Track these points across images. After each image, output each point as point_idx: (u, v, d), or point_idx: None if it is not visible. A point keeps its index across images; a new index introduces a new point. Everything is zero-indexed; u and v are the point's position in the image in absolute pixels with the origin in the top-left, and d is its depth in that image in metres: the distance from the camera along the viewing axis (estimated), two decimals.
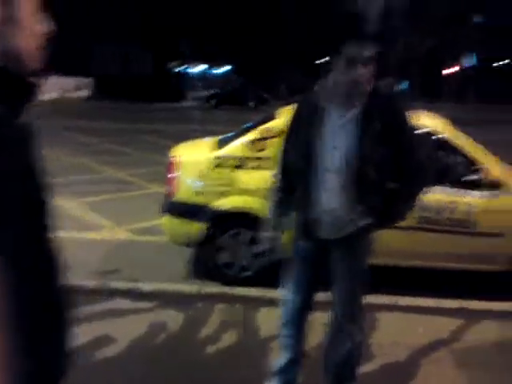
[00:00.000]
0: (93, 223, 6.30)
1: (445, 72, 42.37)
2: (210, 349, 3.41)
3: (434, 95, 34.73)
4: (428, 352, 3.37)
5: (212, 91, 34.34)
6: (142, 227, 6.11)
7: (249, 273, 4.64)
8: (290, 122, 2.69)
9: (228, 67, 43.90)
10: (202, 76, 42.06)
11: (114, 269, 4.77)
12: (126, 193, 8.00)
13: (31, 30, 1.04)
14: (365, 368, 3.10)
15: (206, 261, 4.79)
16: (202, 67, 42.93)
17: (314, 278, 2.67)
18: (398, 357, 3.29)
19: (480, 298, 4.12)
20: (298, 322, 2.73)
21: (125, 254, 5.30)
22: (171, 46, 38.27)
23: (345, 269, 2.57)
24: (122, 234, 5.99)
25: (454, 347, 3.43)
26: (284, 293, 2.77)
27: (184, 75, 41.39)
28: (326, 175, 2.45)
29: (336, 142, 2.43)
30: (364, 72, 2.39)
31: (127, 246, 5.58)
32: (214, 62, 42.20)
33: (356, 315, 2.65)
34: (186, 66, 42.03)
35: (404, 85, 30.95)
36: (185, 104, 33.93)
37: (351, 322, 2.63)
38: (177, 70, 41.96)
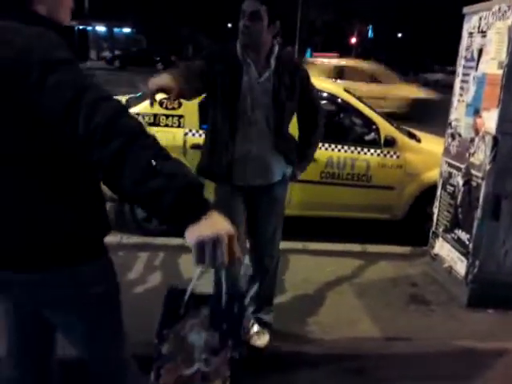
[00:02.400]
0: None
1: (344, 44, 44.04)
2: (137, 290, 3.66)
3: None
4: (333, 286, 3.85)
5: (117, 52, 33.20)
6: None
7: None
8: (202, 60, 2.65)
9: (132, 28, 42.51)
10: (108, 36, 40.44)
11: None
12: None
13: (67, 6, 1.54)
14: (279, 299, 3.53)
15: (125, 215, 4.95)
16: (104, 27, 41.20)
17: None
18: (307, 290, 3.74)
19: (378, 243, 4.71)
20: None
21: None
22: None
23: (270, 213, 2.90)
24: None
25: (356, 282, 3.95)
26: None
27: (87, 35, 39.54)
28: (248, 126, 2.68)
29: (255, 96, 2.66)
30: (259, 27, 2.55)
31: None
32: (117, 22, 40.67)
33: (275, 253, 3.01)
34: (87, 24, 40.12)
35: (308, 54, 32.01)
36: (90, 64, 32.55)
37: (271, 260, 3.00)
38: (79, 28, 39.92)
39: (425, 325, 3.35)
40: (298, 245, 4.51)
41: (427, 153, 5.06)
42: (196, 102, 4.56)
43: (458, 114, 3.89)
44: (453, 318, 3.45)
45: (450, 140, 4.01)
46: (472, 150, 3.63)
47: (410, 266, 4.28)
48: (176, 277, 3.88)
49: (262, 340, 3.05)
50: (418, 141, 5.27)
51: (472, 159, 3.62)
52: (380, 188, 4.98)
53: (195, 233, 1.26)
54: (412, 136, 5.32)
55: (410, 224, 5.07)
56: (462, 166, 3.74)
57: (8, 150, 1.33)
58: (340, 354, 2.96)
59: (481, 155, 3.50)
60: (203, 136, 2.95)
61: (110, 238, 4.50)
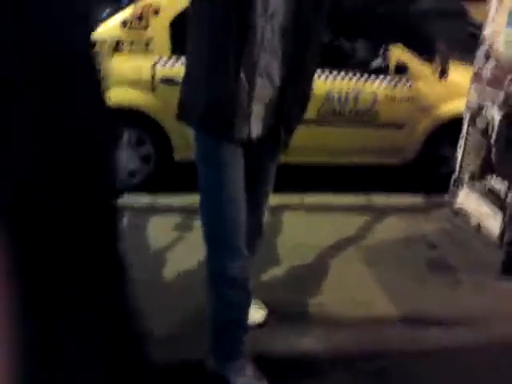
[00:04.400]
0: None
1: None
2: None
3: None
4: (336, 251, 3.15)
5: None
6: None
7: (137, 179, 4.11)
8: None
9: None
10: None
11: None
12: None
13: None
14: (270, 272, 2.85)
15: None
16: None
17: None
18: (305, 258, 3.04)
19: (386, 193, 3.95)
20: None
21: None
22: None
23: (272, 170, 2.14)
24: None
25: (363, 245, 3.24)
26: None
27: None
28: (261, 55, 1.80)
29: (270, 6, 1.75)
30: None
31: None
32: None
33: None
34: None
35: None
36: None
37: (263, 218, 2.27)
38: None
39: (452, 300, 2.68)
40: (294, 199, 3.77)
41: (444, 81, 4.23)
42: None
43: (497, 26, 3.06)
44: (486, 291, 2.78)
45: (482, 62, 3.19)
46: None
47: (426, 222, 3.56)
48: (143, 244, 3.17)
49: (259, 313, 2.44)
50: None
51: None
52: (388, 127, 4.19)
53: None
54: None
55: (421, 169, 4.32)
56: (500, 96, 2.95)
57: None
58: (351, 353, 2.29)
59: None
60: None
61: None
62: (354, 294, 2.70)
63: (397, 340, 2.37)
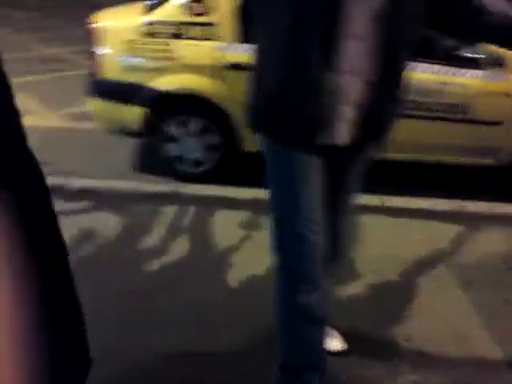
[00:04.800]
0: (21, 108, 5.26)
1: None
2: (156, 258, 2.72)
3: None
4: (425, 267, 2.73)
5: None
6: (79, 112, 5.12)
7: (203, 168, 3.85)
8: None
9: None
10: None
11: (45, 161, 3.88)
12: (59, 73, 6.84)
13: None
14: (349, 290, 2.49)
15: (152, 154, 3.98)
16: None
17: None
18: (386, 274, 2.65)
19: (480, 200, 3.47)
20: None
21: (58, 144, 4.37)
22: None
23: (361, 172, 1.77)
24: (54, 121, 5.02)
25: (456, 261, 2.80)
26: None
27: None
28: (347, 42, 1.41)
29: None
30: None
31: (61, 135, 4.63)
32: None
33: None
34: None
35: None
36: None
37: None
38: None
39: None
40: (374, 200, 3.36)
41: None
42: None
43: None
44: None
45: None
46: None
47: None
48: (208, 242, 2.89)
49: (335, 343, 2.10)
50: None
51: None
52: (480, 123, 3.68)
53: None
54: None
55: None
56: None
57: None
58: None
59: None
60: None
61: (129, 185, 3.68)
62: (448, 325, 2.29)
63: None
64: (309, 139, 1.47)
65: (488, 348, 2.18)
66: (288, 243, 1.61)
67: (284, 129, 1.50)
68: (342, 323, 2.19)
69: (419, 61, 3.52)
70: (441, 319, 2.33)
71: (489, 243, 2.99)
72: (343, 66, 1.37)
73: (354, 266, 2.68)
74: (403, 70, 1.53)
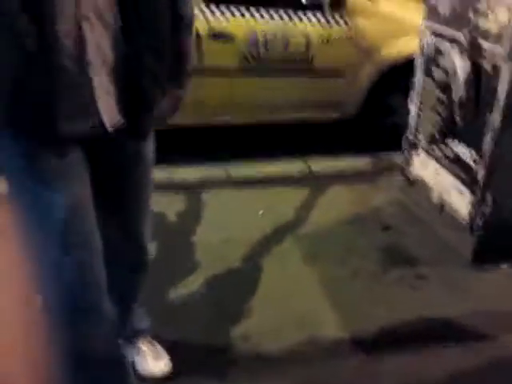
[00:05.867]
0: None
1: None
2: None
3: None
4: (271, 245, 2.49)
5: None
6: None
7: None
8: None
9: None
10: None
11: None
12: None
13: None
14: (181, 287, 2.17)
15: None
16: None
17: None
18: (230, 260, 2.36)
19: (323, 154, 3.29)
20: None
21: None
22: None
23: (143, 167, 1.43)
24: None
25: (302, 233, 2.59)
26: None
27: None
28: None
29: None
30: None
31: None
32: None
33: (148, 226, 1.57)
34: None
35: None
36: None
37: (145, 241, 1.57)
38: None
39: (417, 304, 2.11)
40: (218, 172, 3.06)
41: (387, 16, 3.53)
42: None
43: None
44: (457, 287, 2.21)
45: None
46: (481, 6, 2.17)
47: (377, 192, 2.95)
48: None
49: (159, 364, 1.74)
50: None
51: (482, 22, 2.17)
52: (325, 75, 3.48)
53: None
54: None
55: (365, 122, 3.67)
56: (462, 36, 2.28)
57: None
58: None
59: (501, 15, 2.06)
60: None
61: None
62: (293, 310, 2.07)
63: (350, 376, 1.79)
64: (53, 126, 1.10)
65: (336, 332, 1.98)
66: (49, 267, 1.22)
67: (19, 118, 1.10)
68: (163, 334, 1.85)
69: (257, 8, 3.20)
70: (283, 306, 2.09)
71: (337, 205, 2.82)
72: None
73: (191, 252, 2.37)
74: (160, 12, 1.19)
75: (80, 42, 1.09)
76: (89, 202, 1.24)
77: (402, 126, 2.94)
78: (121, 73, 1.16)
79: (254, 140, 3.55)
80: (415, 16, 3.24)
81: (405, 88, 3.01)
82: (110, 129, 1.19)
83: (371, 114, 3.60)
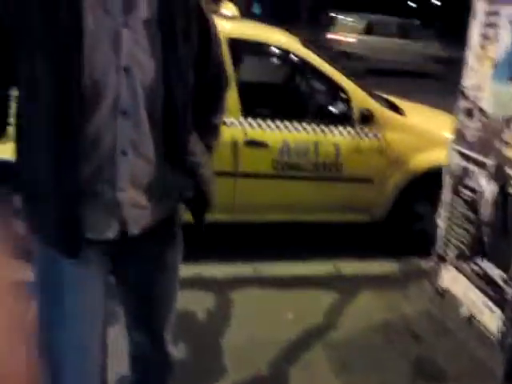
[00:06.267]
0: None
1: None
2: None
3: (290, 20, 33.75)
4: (298, 351, 2.50)
5: None
6: None
7: None
8: None
9: None
10: None
11: None
12: None
13: None
14: None
15: None
16: None
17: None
18: (255, 361, 2.38)
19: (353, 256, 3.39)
20: None
21: None
22: None
23: (161, 269, 1.49)
24: None
25: (330, 340, 2.60)
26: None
27: None
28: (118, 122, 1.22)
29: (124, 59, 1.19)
30: None
31: None
32: None
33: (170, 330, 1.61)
34: None
35: (256, 9, 29.50)
36: None
37: (169, 342, 1.60)
38: None
39: None
40: (247, 269, 3.14)
41: (414, 129, 3.72)
42: None
43: (480, 78, 2.54)
44: None
45: (463, 118, 2.67)
46: (506, 137, 2.31)
47: (406, 300, 2.97)
48: None
49: None
50: (401, 113, 3.89)
51: (508, 152, 2.30)
52: (354, 181, 3.62)
53: None
54: (393, 107, 3.95)
55: (393, 227, 3.75)
56: (490, 162, 2.41)
57: None
58: None
59: None
60: None
61: None
62: None
63: None
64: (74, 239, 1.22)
65: None
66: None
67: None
68: None
69: (290, 120, 3.42)
70: None
71: (366, 311, 2.85)
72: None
73: (216, 354, 2.39)
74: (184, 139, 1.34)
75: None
76: (98, 314, 1.32)
77: (429, 233, 3.04)
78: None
79: (283, 238, 3.65)
80: (443, 129, 3.44)
81: (432, 196, 3.14)
82: (135, 232, 1.29)
83: (399, 219, 3.70)
